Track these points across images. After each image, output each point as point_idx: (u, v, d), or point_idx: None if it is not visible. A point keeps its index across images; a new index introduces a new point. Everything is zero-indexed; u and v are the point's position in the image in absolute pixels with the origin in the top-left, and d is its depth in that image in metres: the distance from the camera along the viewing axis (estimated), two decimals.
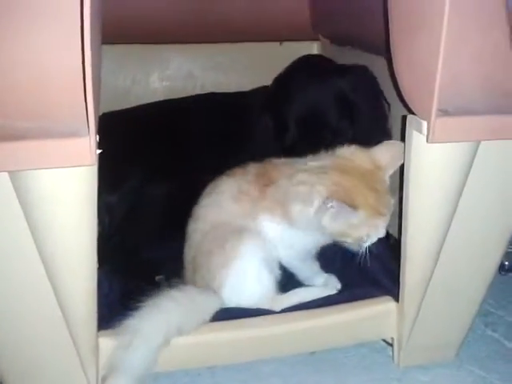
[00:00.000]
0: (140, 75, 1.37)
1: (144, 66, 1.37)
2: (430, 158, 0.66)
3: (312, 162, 0.80)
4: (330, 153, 0.81)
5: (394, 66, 0.67)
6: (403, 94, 0.66)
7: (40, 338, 0.70)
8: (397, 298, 0.82)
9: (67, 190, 0.57)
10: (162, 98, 1.30)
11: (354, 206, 0.72)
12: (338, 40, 1.33)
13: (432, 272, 0.77)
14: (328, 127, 1.02)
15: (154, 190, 1.04)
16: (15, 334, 0.69)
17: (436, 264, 0.76)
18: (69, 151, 0.53)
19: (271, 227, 0.81)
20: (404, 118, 0.68)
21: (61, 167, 0.55)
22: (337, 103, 1.03)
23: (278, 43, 1.44)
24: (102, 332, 0.73)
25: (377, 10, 1.01)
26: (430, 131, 0.61)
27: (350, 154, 0.79)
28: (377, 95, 1.06)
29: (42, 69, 0.55)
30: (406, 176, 0.70)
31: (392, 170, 0.77)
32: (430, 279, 0.77)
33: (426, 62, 0.60)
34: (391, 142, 0.81)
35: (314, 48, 1.46)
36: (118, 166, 0.95)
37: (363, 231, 0.75)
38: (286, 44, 1.45)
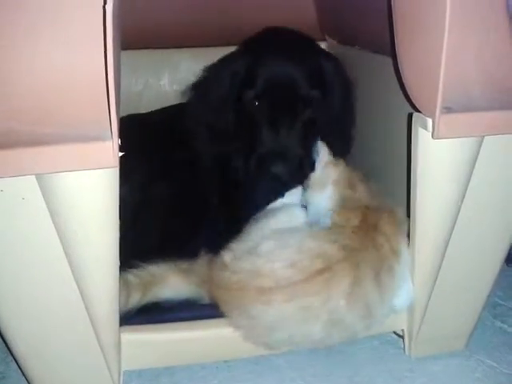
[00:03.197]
0: (152, 79, 1.40)
1: (155, 70, 1.40)
2: (436, 153, 0.68)
3: None
4: None
5: (399, 65, 0.70)
6: (408, 92, 0.69)
7: (65, 334, 0.73)
8: None
9: (91, 192, 0.60)
10: (173, 102, 1.33)
11: None
12: (345, 40, 1.35)
13: (440, 265, 0.79)
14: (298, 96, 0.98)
15: (161, 189, 1.05)
16: (40, 331, 0.72)
17: (444, 257, 0.78)
18: (93, 154, 0.56)
19: None
20: (410, 116, 0.70)
21: (85, 169, 0.58)
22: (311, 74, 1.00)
23: None
24: (124, 328, 0.77)
25: (382, 9, 1.03)
26: (435, 128, 0.64)
27: None
28: (350, 86, 1.05)
29: (66, 76, 0.58)
30: (413, 172, 0.72)
31: None
32: (438, 273, 0.80)
33: (430, 62, 0.63)
34: None
35: None
36: (127, 161, 0.97)
37: None
38: None
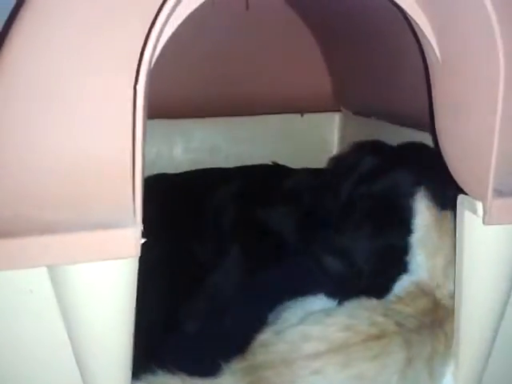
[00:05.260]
0: (164, 148, 1.37)
1: (168, 139, 1.38)
2: (485, 239, 0.62)
3: None
4: None
5: (442, 148, 0.65)
6: (454, 175, 0.64)
7: None
8: None
9: (106, 285, 0.53)
10: (186, 170, 1.30)
11: None
12: (362, 111, 1.33)
13: (485, 364, 0.71)
14: None
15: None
16: None
17: (489, 356, 0.70)
18: (112, 243, 0.50)
19: None
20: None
21: (102, 260, 0.51)
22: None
23: (299, 115, 1.45)
24: None
25: (405, 85, 1.01)
26: (487, 212, 0.58)
27: None
28: None
29: (83, 156, 0.52)
30: (458, 259, 0.66)
31: None
32: (483, 371, 0.72)
33: (479, 142, 0.58)
34: None
35: (335, 119, 1.47)
36: None
37: None
38: (307, 115, 1.46)
